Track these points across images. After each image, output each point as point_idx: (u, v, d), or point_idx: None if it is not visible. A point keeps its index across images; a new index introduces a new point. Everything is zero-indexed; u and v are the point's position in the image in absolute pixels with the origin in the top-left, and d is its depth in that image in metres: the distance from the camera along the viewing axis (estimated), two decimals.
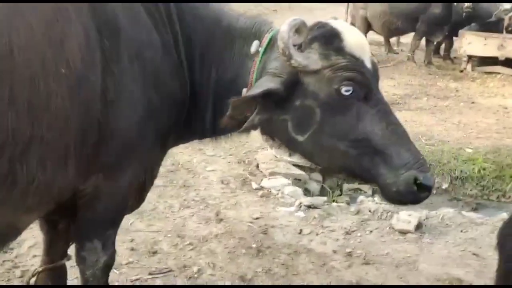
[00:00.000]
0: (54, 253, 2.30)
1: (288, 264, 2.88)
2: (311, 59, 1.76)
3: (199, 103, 2.02)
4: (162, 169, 3.92)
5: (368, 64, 1.81)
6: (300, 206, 3.52)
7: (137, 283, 2.63)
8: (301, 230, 3.23)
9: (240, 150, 4.62)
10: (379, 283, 2.73)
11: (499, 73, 8.52)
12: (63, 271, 2.36)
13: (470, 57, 8.79)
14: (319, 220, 3.36)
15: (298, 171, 4.31)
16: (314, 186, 4.42)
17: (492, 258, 2.32)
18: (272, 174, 4.14)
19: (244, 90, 1.87)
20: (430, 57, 9.35)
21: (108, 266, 2.14)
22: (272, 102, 1.81)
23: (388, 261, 2.90)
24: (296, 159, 4.36)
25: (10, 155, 1.49)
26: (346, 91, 1.75)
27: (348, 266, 2.88)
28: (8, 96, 1.44)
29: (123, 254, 2.82)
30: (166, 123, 1.94)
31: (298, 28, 1.74)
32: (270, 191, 3.80)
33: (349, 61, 1.77)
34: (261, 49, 1.86)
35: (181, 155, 4.33)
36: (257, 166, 4.30)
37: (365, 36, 9.32)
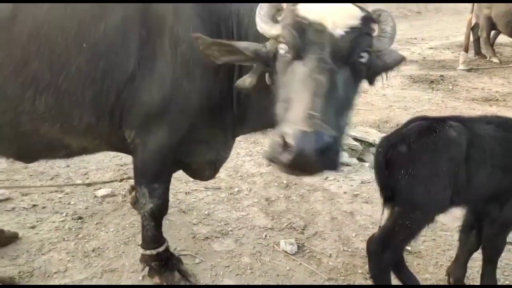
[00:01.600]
0: None
1: (304, 195, 3.74)
2: (273, 27, 1.89)
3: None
4: None
5: (328, 29, 1.79)
6: None
7: (196, 188, 3.79)
8: (326, 177, 4.03)
9: None
10: (368, 215, 3.41)
11: None
12: None
13: None
14: (346, 173, 4.11)
15: (354, 143, 4.99)
16: (370, 158, 5.05)
17: None
18: None
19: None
20: None
21: (154, 213, 2.50)
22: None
23: None
24: (356, 132, 5.14)
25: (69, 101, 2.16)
26: (281, 49, 1.84)
27: (350, 202, 3.61)
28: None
29: None
30: (195, 107, 2.23)
31: (275, 6, 1.94)
32: None
33: (292, 23, 1.79)
34: None
35: None
36: None
37: (489, 35, 9.14)
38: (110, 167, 4.21)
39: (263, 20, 1.88)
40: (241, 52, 1.91)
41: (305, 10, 1.77)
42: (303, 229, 3.27)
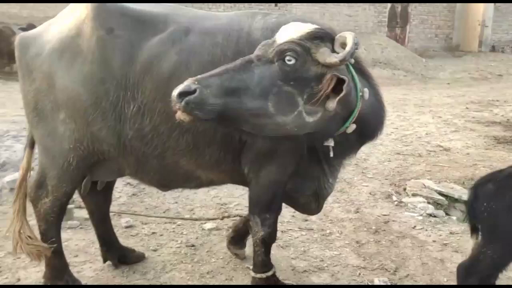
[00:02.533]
0: None
1: (394, 241, 3.97)
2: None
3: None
4: None
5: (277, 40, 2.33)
6: (422, 214, 4.49)
7: (291, 228, 4.16)
8: (415, 226, 4.24)
9: (396, 176, 5.74)
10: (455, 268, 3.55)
11: None
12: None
13: None
14: (433, 224, 4.29)
15: (439, 197, 5.15)
16: (456, 213, 5.15)
17: None
18: (415, 195, 5.14)
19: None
20: None
21: (265, 240, 2.82)
22: None
23: None
24: (442, 187, 5.31)
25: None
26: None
27: (439, 250, 3.79)
28: None
29: (286, 216, 4.40)
30: (299, 145, 2.54)
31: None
32: (406, 204, 4.85)
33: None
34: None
35: (345, 173, 5.75)
36: (405, 189, 5.35)
37: None
38: (212, 205, 4.73)
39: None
40: None
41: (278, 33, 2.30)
42: (395, 271, 3.50)
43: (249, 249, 3.61)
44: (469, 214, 2.78)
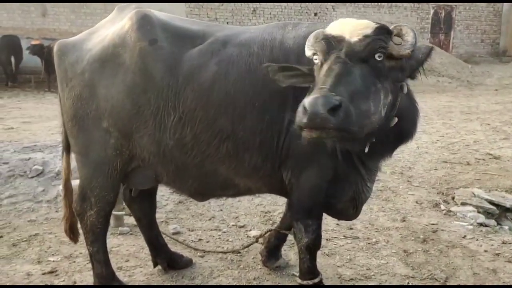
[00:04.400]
0: (284, 223, 3.39)
1: (443, 250, 3.87)
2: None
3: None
4: (373, 188, 5.43)
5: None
6: (472, 223, 4.35)
7: (336, 236, 4.15)
8: (465, 236, 4.11)
9: (443, 185, 5.59)
10: (508, 278, 3.43)
11: None
12: (282, 238, 3.51)
13: None
14: (484, 233, 4.15)
15: (490, 206, 4.97)
16: (508, 223, 4.95)
17: None
18: (464, 204, 4.98)
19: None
20: None
21: (310, 247, 2.84)
22: None
23: None
24: (492, 196, 5.13)
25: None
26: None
27: (491, 260, 3.66)
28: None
29: (331, 224, 4.38)
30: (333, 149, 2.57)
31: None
32: (455, 213, 4.71)
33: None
34: None
35: (390, 182, 5.67)
36: (453, 198, 5.20)
37: None
38: (256, 213, 4.78)
39: (307, 47, 2.39)
40: (301, 73, 2.42)
41: (330, 29, 2.32)
42: (445, 281, 3.41)
43: (294, 256, 3.63)
44: None
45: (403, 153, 7.20)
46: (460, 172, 6.09)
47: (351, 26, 2.28)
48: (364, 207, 4.89)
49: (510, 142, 7.74)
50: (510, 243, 3.94)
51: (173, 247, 3.84)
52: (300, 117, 2.01)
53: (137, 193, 3.26)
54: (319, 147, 2.61)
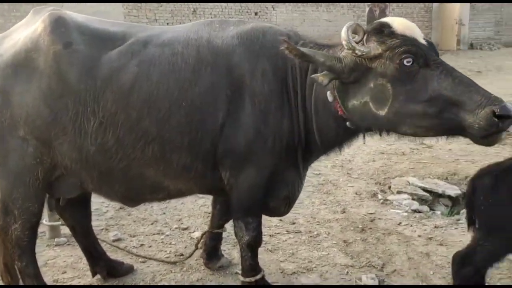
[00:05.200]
0: (214, 222, 3.41)
1: (380, 238, 4.03)
2: (371, 47, 2.26)
3: (311, 131, 2.67)
4: (314, 182, 5.56)
5: (421, 40, 2.27)
6: (407, 210, 4.56)
7: (279, 232, 4.20)
8: (400, 223, 4.31)
9: (380, 175, 5.82)
10: (444, 256, 3.62)
11: None
12: (217, 238, 3.50)
13: None
14: (418, 219, 4.36)
15: (423, 193, 5.23)
16: (441, 208, 5.24)
17: None
18: (399, 192, 5.21)
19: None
20: None
21: (251, 244, 2.86)
22: (346, 87, 2.37)
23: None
24: (425, 183, 5.39)
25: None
26: (407, 62, 2.18)
27: (425, 244, 3.85)
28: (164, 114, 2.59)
29: (274, 220, 4.43)
30: (272, 148, 2.64)
31: (355, 29, 2.31)
32: (391, 202, 4.92)
33: (402, 39, 2.21)
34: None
35: (331, 175, 5.83)
36: (390, 187, 5.42)
37: None
38: (200, 214, 4.73)
39: (357, 47, 2.25)
40: (315, 62, 2.40)
41: (399, 29, 2.28)
42: (382, 267, 3.55)
43: (238, 254, 3.64)
44: (467, 207, 2.85)
45: None
46: (396, 162, 6.36)
47: (413, 27, 2.33)
48: (306, 202, 5.03)
49: None
50: (441, 227, 4.17)
51: (114, 255, 3.74)
52: (495, 124, 2.04)
53: (65, 202, 3.13)
54: (254, 146, 2.64)
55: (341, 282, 3.36)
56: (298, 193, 3.03)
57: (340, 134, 2.64)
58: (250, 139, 2.64)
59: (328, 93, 2.46)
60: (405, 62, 2.18)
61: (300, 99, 2.69)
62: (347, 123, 2.47)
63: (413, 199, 5.00)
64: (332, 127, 2.60)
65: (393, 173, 5.87)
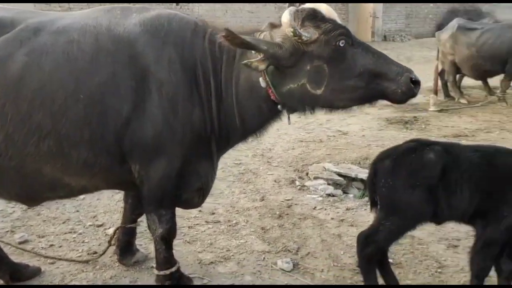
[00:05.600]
0: (126, 217, 3.32)
1: (296, 223, 4.15)
2: (310, 32, 2.39)
3: (228, 119, 2.68)
4: (235, 172, 5.59)
5: (341, 22, 2.52)
6: (322, 195, 4.75)
7: (198, 223, 4.18)
8: (315, 207, 4.47)
9: (299, 162, 5.99)
10: (354, 236, 3.81)
11: None
12: (131, 233, 3.39)
13: None
14: (332, 203, 4.56)
15: (338, 178, 5.47)
16: (354, 191, 5.52)
17: None
18: (316, 178, 5.40)
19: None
20: None
21: (165, 237, 2.81)
22: (282, 72, 2.45)
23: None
24: (340, 168, 5.63)
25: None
26: (342, 43, 2.39)
27: (337, 226, 4.04)
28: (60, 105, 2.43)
29: (193, 212, 4.40)
30: (182, 138, 2.59)
31: (294, 16, 2.43)
32: (308, 187, 5.09)
33: (333, 23, 2.42)
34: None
35: (251, 164, 5.90)
36: (307, 173, 5.60)
37: (455, 79, 10.03)
38: (116, 210, 4.56)
39: (302, 33, 2.40)
40: (258, 50, 2.43)
41: (327, 13, 2.49)
42: (297, 251, 3.67)
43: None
44: (369, 189, 3.00)
45: (265, 135, 7.54)
46: (314, 149, 6.58)
47: (331, 10, 2.53)
48: (226, 191, 5.04)
49: (356, 119, 8.57)
50: (353, 209, 4.38)
51: (21, 258, 3.50)
52: (412, 88, 2.43)
53: None
54: (163, 136, 2.58)
55: (258, 268, 3.42)
56: (212, 183, 3.02)
57: (266, 119, 2.71)
58: (158, 130, 2.57)
59: (260, 79, 2.51)
60: (340, 44, 2.39)
61: (213, 88, 2.67)
62: (279, 106, 2.56)
63: (328, 184, 5.21)
64: (259, 112, 2.64)
65: (311, 160, 6.07)
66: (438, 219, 2.86)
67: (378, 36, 22.64)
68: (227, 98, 2.68)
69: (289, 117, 2.70)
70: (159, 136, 2.58)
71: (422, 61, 17.72)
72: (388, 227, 2.78)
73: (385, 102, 8.68)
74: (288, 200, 4.70)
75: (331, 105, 2.54)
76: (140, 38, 2.57)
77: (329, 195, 4.76)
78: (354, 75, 2.40)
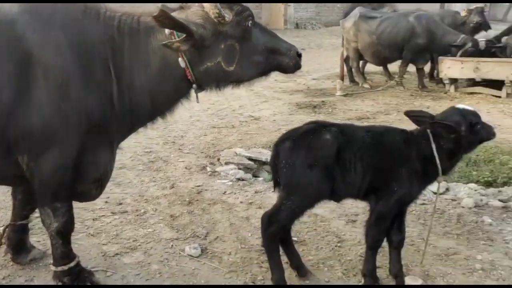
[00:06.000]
0: (16, 214, 3.12)
1: (205, 208, 4.16)
2: (228, 13, 2.57)
3: (133, 102, 2.60)
4: (145, 160, 5.43)
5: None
6: (232, 179, 4.80)
7: (103, 214, 4.01)
8: (225, 192, 4.51)
9: (211, 149, 5.99)
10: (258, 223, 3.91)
11: (480, 93, 9.32)
12: (22, 230, 3.18)
13: (455, 80, 9.73)
14: (241, 186, 4.63)
15: (249, 162, 5.56)
16: (264, 175, 5.65)
17: None
18: (227, 163, 5.44)
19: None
20: (422, 82, 10.23)
21: (61, 231, 2.69)
22: (201, 51, 2.53)
23: None
24: (251, 153, 5.71)
25: None
26: (250, 24, 2.61)
27: (245, 209, 4.11)
28: None
29: (99, 203, 4.22)
30: (77, 125, 2.48)
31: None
32: (219, 173, 5.11)
33: (241, 5, 2.62)
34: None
35: (162, 152, 5.79)
36: (218, 159, 5.61)
37: (358, 65, 10.60)
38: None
39: (225, 14, 2.54)
40: (188, 31, 2.45)
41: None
42: (206, 236, 3.68)
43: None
44: (272, 170, 3.07)
45: (177, 123, 7.43)
46: (226, 135, 6.62)
47: None
48: (135, 180, 4.90)
49: (268, 104, 8.77)
50: (261, 192, 4.48)
51: None
52: (298, 60, 2.77)
53: None
54: (53, 124, 2.43)
55: (165, 256, 3.38)
56: (111, 173, 2.89)
57: (177, 99, 2.73)
58: (48, 118, 2.43)
59: (179, 59, 2.54)
60: (249, 24, 2.60)
61: (113, 71, 2.56)
62: (194, 85, 2.63)
63: (239, 168, 5.26)
64: (173, 93, 2.67)
65: (223, 146, 6.09)
66: (336, 197, 3.02)
67: (290, 24, 23.19)
68: (132, 81, 2.59)
69: (197, 96, 2.74)
70: (49, 124, 2.43)
71: (330, 48, 18.50)
72: (289, 206, 2.88)
73: (296, 88, 9.07)
74: (198, 186, 4.69)
75: (241, 80, 2.75)
76: (19, 19, 2.37)
77: (239, 179, 4.81)
78: (258, 52, 2.66)
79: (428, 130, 2.88)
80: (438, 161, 2.81)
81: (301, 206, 2.92)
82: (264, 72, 2.79)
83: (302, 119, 7.56)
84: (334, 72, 12.18)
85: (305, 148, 2.89)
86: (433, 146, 2.84)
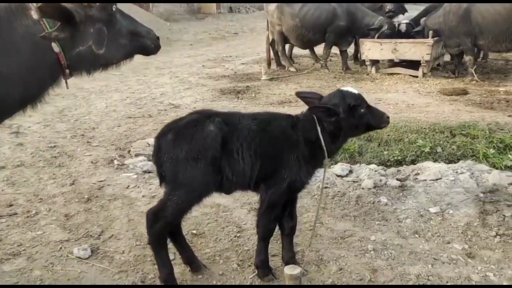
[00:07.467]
0: None
1: (104, 205, 3.94)
2: None
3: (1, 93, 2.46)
4: (47, 156, 5.07)
5: None
6: (138, 172, 4.59)
7: None
8: (128, 186, 4.30)
9: (122, 140, 5.71)
10: None
11: (400, 73, 9.61)
12: None
13: (376, 61, 9.98)
14: (147, 179, 4.43)
15: None
16: None
17: None
18: (138, 155, 5.21)
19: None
20: (346, 64, 10.43)
21: None
22: (73, 36, 2.54)
23: None
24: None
25: None
26: (113, 8, 2.69)
27: (147, 203, 3.93)
28: None
29: None
30: None
31: None
32: (127, 166, 4.87)
33: None
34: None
35: (69, 146, 5.45)
36: (129, 151, 5.36)
37: (284, 48, 10.58)
38: None
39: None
40: (70, 15, 2.46)
41: None
42: (100, 235, 3.47)
43: None
44: (156, 164, 2.87)
45: (90, 114, 7.05)
46: (141, 125, 6.35)
47: None
48: (33, 179, 4.57)
49: (192, 91, 8.55)
50: None
51: None
52: (157, 41, 2.90)
53: None
54: None
55: (51, 260, 3.14)
56: None
57: (49, 85, 2.66)
58: None
59: (53, 45, 2.50)
60: (113, 8, 2.66)
61: None
62: (67, 70, 2.62)
63: (149, 160, 5.05)
64: (46, 79, 2.62)
65: (136, 136, 5.85)
66: (226, 189, 2.91)
67: (223, 8, 22.89)
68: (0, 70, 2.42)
69: (66, 82, 2.71)
70: None
71: (263, 32, 18.46)
72: (176, 202, 2.73)
73: (223, 73, 8.91)
74: (101, 181, 4.44)
75: (110, 63, 2.78)
76: None
77: (145, 172, 4.60)
78: (123, 35, 2.75)
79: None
80: (323, 144, 2.78)
81: (187, 201, 2.77)
82: (130, 54, 2.87)
83: (224, 105, 7.45)
84: (264, 56, 12.12)
85: (188, 140, 2.74)
86: (318, 129, 2.79)
